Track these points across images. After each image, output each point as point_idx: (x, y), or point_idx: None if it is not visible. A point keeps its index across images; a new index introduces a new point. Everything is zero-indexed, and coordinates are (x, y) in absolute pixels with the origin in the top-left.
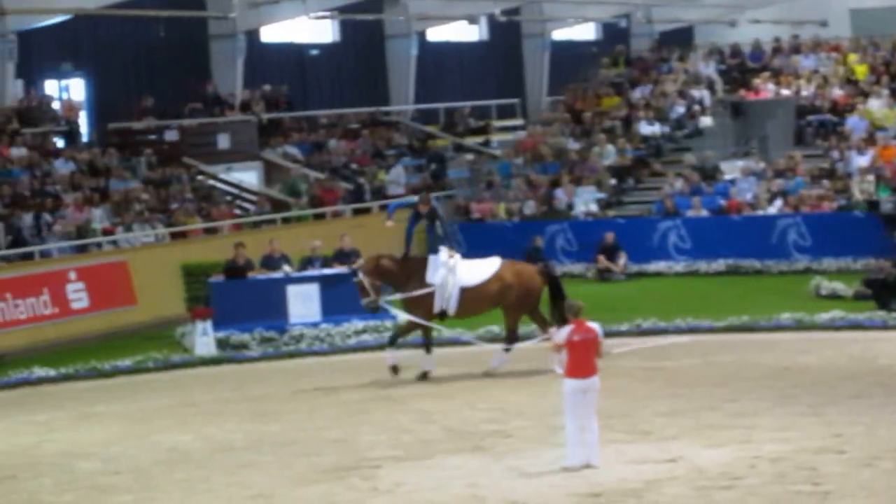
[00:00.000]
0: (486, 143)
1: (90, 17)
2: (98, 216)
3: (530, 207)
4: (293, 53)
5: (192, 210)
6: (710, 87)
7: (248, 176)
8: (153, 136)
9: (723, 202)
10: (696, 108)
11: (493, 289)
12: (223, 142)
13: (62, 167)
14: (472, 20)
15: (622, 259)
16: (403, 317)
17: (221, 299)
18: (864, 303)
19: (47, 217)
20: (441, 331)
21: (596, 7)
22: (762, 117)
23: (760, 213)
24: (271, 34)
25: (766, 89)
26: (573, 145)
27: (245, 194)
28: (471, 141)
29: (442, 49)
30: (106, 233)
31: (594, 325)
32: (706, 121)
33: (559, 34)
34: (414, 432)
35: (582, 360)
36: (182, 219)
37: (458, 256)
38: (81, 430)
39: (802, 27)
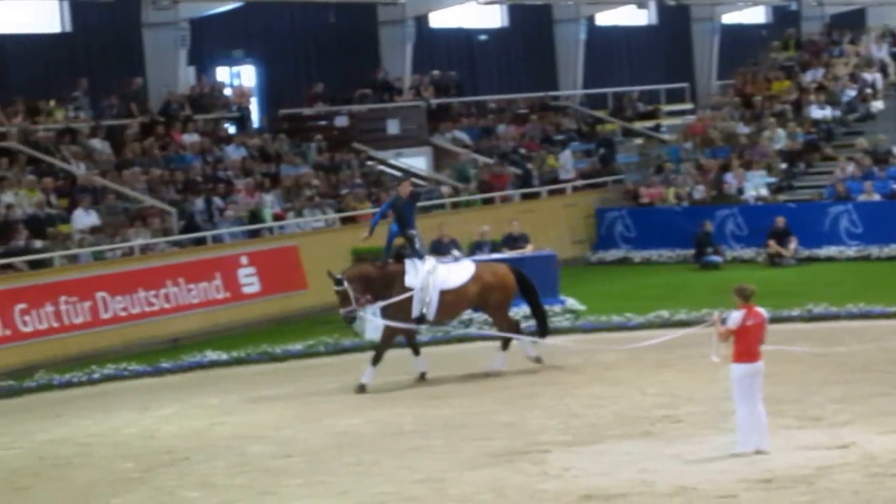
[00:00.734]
0: (655, 128)
1: (261, 5)
2: (269, 201)
3: (700, 192)
4: (462, 39)
5: (362, 195)
6: (883, 70)
7: (417, 161)
8: (323, 122)
9: (895, 186)
10: (868, 91)
11: (472, 291)
12: (392, 127)
13: (234, 153)
14: (641, 4)
15: (793, 244)
16: (381, 323)
17: None
18: None
19: (219, 202)
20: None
21: None
22: None
23: None
24: (440, 20)
25: None
26: (743, 129)
27: (414, 179)
28: (639, 125)
29: (610, 33)
30: (277, 218)
31: (762, 311)
32: (878, 104)
33: (729, 17)
34: (583, 417)
35: (751, 345)
36: (352, 204)
37: (433, 260)
38: (253, 413)
39: None
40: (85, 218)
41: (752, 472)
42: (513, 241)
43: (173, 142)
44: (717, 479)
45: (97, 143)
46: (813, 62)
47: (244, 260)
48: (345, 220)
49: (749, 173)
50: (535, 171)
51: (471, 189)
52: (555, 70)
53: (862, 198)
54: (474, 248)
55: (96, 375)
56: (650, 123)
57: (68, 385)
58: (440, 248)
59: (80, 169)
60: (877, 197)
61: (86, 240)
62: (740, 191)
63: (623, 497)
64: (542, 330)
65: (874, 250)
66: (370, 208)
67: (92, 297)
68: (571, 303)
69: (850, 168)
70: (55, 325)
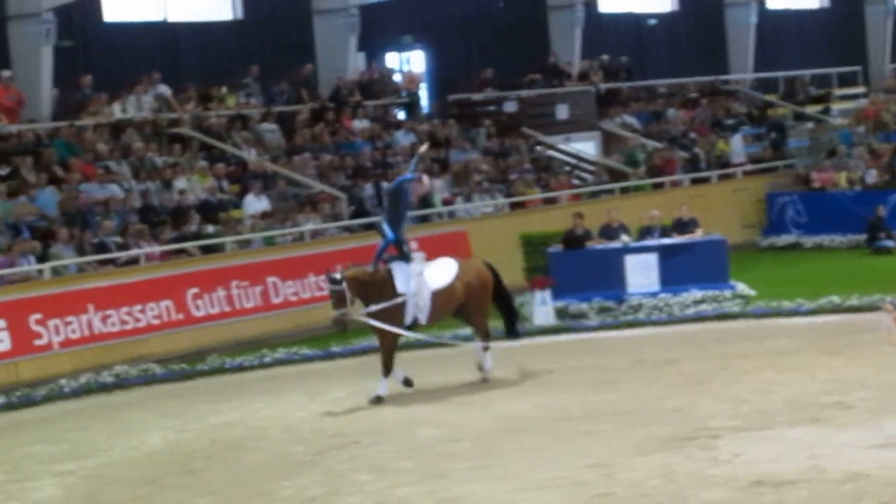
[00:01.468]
0: (827, 112)
1: None
2: (438, 187)
3: (872, 176)
4: (631, 23)
5: (531, 180)
6: None
7: (586, 146)
8: (492, 107)
9: None
10: None
11: (459, 289)
12: (562, 112)
13: (403, 139)
14: None
15: None
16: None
17: (560, 269)
18: None
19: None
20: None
21: None
22: None
23: None
24: (609, 4)
25: None
26: None
27: (583, 164)
28: (811, 109)
29: (781, 17)
30: (446, 203)
31: None
32: None
33: None
34: (753, 402)
35: None
36: (521, 189)
37: (420, 259)
38: (422, 397)
39: None
40: (256, 203)
41: None
42: (682, 226)
43: (343, 128)
44: (891, 466)
45: (268, 129)
46: None
47: (413, 245)
48: (514, 206)
49: None
50: (703, 156)
51: (640, 174)
52: (725, 54)
53: None
54: (643, 233)
55: (267, 359)
56: (821, 107)
57: (240, 369)
58: (609, 233)
59: (251, 155)
60: None
61: (257, 225)
62: None
63: (793, 484)
64: (513, 331)
65: None
66: (539, 193)
67: (263, 281)
68: (741, 288)
69: None
70: (227, 309)
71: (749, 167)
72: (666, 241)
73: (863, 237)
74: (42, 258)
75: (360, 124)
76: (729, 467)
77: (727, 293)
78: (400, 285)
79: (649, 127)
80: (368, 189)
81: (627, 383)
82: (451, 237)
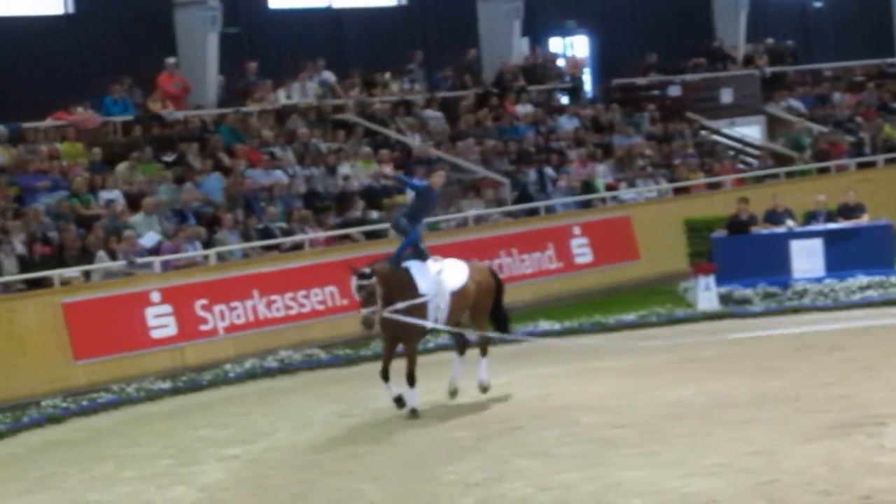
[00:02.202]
0: None
1: None
2: (602, 172)
3: None
4: (796, 6)
5: (695, 165)
6: None
7: (750, 130)
8: (656, 92)
9: None
10: None
11: (471, 290)
12: (726, 96)
13: (566, 124)
14: None
15: None
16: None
17: (724, 254)
18: None
19: (551, 173)
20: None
21: None
22: None
23: None
24: None
25: None
26: None
27: (748, 149)
28: None
29: None
30: (609, 188)
31: None
32: None
33: None
34: None
35: None
36: (685, 174)
37: (436, 261)
38: (585, 383)
39: None
40: None
41: None
42: (848, 211)
43: (507, 113)
44: None
45: (432, 115)
46: None
47: (577, 230)
48: (677, 191)
49: None
50: (868, 140)
51: (805, 158)
52: (892, 36)
53: None
54: (809, 218)
55: (431, 344)
56: None
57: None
58: (774, 218)
59: (414, 140)
60: None
61: None
62: None
63: None
64: (502, 327)
65: None
66: (703, 178)
67: None
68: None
69: None
70: None
71: None
72: (831, 225)
73: None
74: (207, 244)
75: (523, 109)
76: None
77: (894, 279)
78: (421, 285)
79: (814, 111)
80: (532, 174)
81: (792, 370)
82: (615, 222)
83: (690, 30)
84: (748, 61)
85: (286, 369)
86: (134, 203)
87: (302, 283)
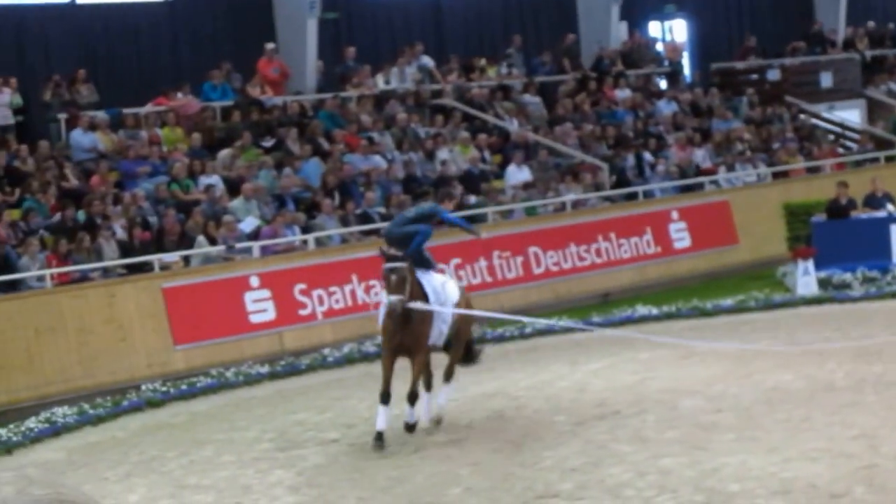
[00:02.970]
0: None
1: None
2: (700, 156)
3: None
4: None
5: (794, 149)
6: None
7: (850, 114)
8: (755, 76)
9: None
10: None
11: (462, 305)
12: (825, 80)
13: (665, 108)
14: None
15: None
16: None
17: (823, 239)
18: None
19: (649, 157)
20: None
21: None
22: None
23: None
24: None
25: None
26: None
27: (847, 133)
28: None
29: None
30: (707, 172)
31: None
32: None
33: None
34: None
35: None
36: (784, 158)
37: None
38: (684, 368)
39: None
40: (518, 174)
41: None
42: None
43: (605, 97)
44: None
45: (530, 100)
46: None
47: (675, 215)
48: (776, 175)
49: None
50: None
51: None
52: None
53: None
54: None
55: (528, 330)
56: None
57: (500, 339)
58: (873, 202)
59: (513, 125)
60: None
61: (518, 195)
62: None
63: None
64: (470, 359)
65: None
66: (801, 162)
67: (524, 252)
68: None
69: None
70: (489, 279)
71: None
72: None
73: None
74: (306, 229)
75: (621, 94)
76: None
77: None
78: (429, 291)
79: None
80: (630, 159)
81: (892, 354)
82: (713, 207)
83: (790, 13)
84: (848, 45)
85: None
86: (233, 188)
87: None
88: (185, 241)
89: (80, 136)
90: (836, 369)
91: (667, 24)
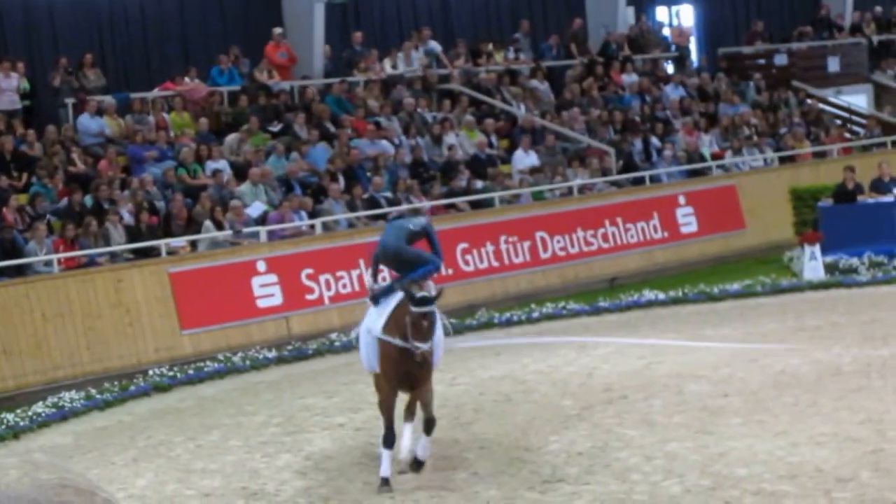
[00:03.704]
0: None
1: None
2: (707, 141)
3: None
4: None
5: (801, 134)
6: None
7: (857, 99)
8: (762, 61)
9: None
10: None
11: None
12: (833, 65)
13: (672, 93)
14: None
15: None
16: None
17: (830, 224)
18: None
19: (656, 142)
20: None
21: None
22: None
23: None
24: None
25: None
26: None
27: (854, 118)
28: None
29: None
30: (715, 157)
31: None
32: None
33: None
34: None
35: None
36: (791, 143)
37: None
38: (690, 352)
39: None
40: (525, 159)
41: None
42: None
43: (612, 82)
44: None
45: (537, 85)
46: None
47: (682, 199)
48: (783, 160)
49: None
50: None
51: None
52: None
53: None
54: None
55: (535, 314)
56: None
57: (508, 323)
58: (881, 187)
59: (520, 110)
60: None
61: (525, 180)
62: None
63: None
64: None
65: None
66: (809, 147)
67: (531, 236)
68: None
69: None
70: (495, 264)
71: None
72: None
73: None
74: (313, 214)
75: (629, 79)
76: None
77: None
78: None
79: None
80: (637, 144)
81: None
82: (720, 191)
83: None
84: (855, 29)
85: None
86: (240, 173)
87: None
88: (193, 226)
89: (87, 121)
90: (843, 353)
91: (674, 8)
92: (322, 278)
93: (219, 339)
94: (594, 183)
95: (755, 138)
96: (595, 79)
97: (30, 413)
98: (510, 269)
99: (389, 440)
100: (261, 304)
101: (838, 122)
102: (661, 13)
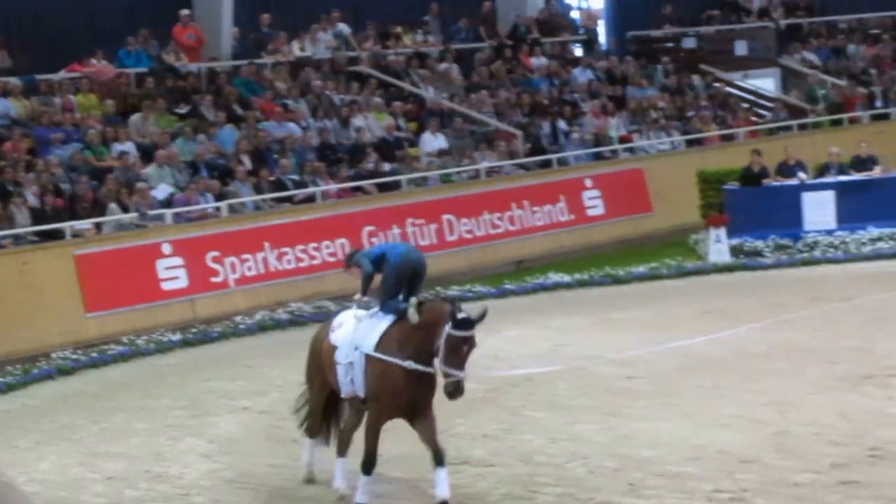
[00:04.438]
0: None
1: None
2: (615, 124)
3: None
4: None
5: (709, 117)
6: None
7: (765, 83)
8: (671, 44)
9: None
10: None
11: None
12: (741, 48)
13: (580, 76)
14: None
15: None
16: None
17: (736, 206)
18: None
19: (564, 125)
20: None
21: None
22: None
23: None
24: None
25: None
26: None
27: (761, 101)
28: None
29: None
30: (622, 140)
31: None
32: None
33: None
34: None
35: None
36: (698, 126)
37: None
38: (597, 335)
39: None
40: (433, 141)
41: None
42: (861, 164)
43: (521, 65)
44: None
45: (446, 67)
46: None
47: (589, 182)
48: (691, 143)
49: None
50: (879, 93)
51: (819, 111)
52: None
53: None
54: (822, 170)
55: (442, 295)
56: None
57: None
58: (786, 170)
59: (428, 93)
60: None
61: (433, 163)
62: None
63: None
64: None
65: None
66: (716, 130)
67: (439, 219)
68: None
69: None
70: None
71: None
72: (843, 178)
73: None
74: (220, 196)
75: (538, 62)
76: None
77: None
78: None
79: (829, 63)
80: (545, 127)
81: (803, 321)
82: (627, 175)
83: None
84: (763, 13)
85: (297, 321)
86: (147, 155)
87: (314, 236)
88: (98, 209)
89: None
90: (749, 336)
91: None
92: (227, 261)
93: (124, 322)
94: (501, 166)
95: (663, 122)
96: (504, 62)
97: None
98: None
99: (369, 466)
100: (166, 286)
101: (745, 105)
102: None
